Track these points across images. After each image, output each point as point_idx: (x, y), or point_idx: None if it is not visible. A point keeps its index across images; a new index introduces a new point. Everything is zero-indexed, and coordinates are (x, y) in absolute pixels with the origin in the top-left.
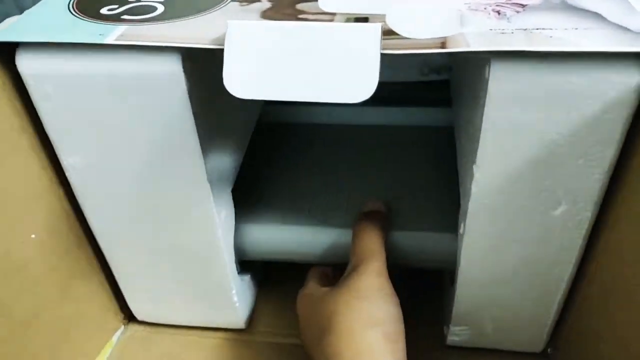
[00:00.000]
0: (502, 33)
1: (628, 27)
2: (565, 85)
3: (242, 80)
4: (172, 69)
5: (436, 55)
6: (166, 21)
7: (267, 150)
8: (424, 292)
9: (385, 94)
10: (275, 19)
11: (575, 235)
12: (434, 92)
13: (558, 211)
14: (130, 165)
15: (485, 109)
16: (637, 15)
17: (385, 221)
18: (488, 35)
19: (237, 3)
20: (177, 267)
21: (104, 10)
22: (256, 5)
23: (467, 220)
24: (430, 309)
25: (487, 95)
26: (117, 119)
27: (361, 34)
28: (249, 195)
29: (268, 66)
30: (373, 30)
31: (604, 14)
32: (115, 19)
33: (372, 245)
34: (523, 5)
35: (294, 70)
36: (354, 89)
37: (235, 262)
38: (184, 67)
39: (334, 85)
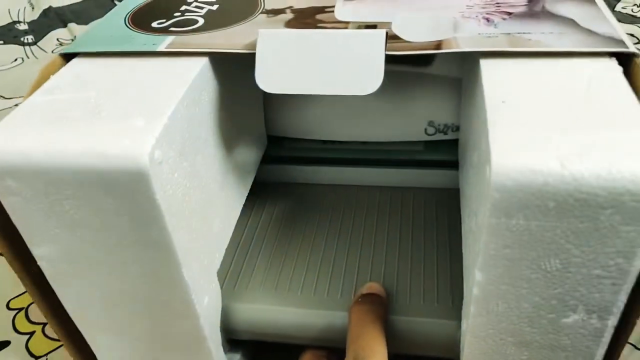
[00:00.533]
0: (489, 37)
1: (597, 31)
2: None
3: (271, 79)
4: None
5: (442, 111)
6: (206, 31)
7: (258, 215)
8: None
9: (387, 155)
10: (297, 28)
11: (591, 343)
12: (440, 153)
13: (571, 319)
14: (99, 255)
15: (488, 215)
16: (605, 21)
17: (385, 306)
18: (476, 38)
19: (264, 15)
20: (160, 355)
21: (154, 24)
22: (281, 16)
23: (470, 320)
24: None
25: (489, 202)
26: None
27: (369, 37)
28: (237, 270)
29: (292, 66)
30: (379, 34)
31: (577, 20)
32: (165, 31)
33: (373, 333)
34: (510, 13)
35: (313, 69)
36: (363, 84)
37: (223, 342)
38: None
39: (347, 81)
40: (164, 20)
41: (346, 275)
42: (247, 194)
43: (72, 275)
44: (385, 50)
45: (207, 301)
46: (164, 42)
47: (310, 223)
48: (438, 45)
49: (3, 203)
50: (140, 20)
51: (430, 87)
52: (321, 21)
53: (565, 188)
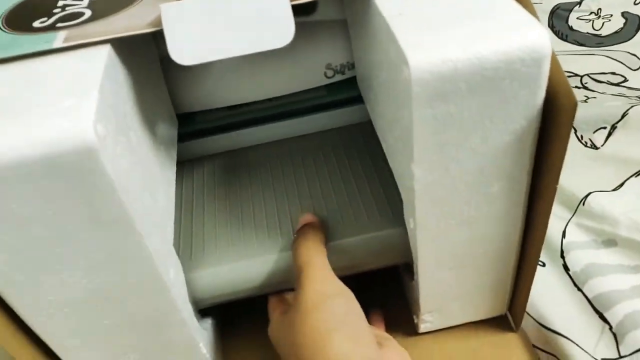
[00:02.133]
0: None
1: None
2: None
3: (184, 51)
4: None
5: (336, 52)
6: (98, 20)
7: (190, 188)
8: (386, 293)
9: (294, 105)
10: None
11: (514, 206)
12: (343, 93)
13: (495, 187)
14: (58, 249)
15: (413, 110)
16: None
17: (319, 229)
18: None
19: None
20: (136, 341)
21: (36, 24)
22: None
23: (416, 215)
24: (396, 305)
25: (412, 98)
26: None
27: None
28: (188, 241)
29: (202, 34)
30: None
31: None
32: (52, 28)
33: (307, 253)
34: None
35: (224, 32)
36: (277, 36)
37: (195, 313)
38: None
39: (261, 37)
40: (45, 19)
41: (289, 217)
42: (175, 166)
43: (30, 281)
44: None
45: (172, 274)
46: (58, 38)
47: (242, 183)
48: None
49: None
50: (16, 23)
51: (320, 33)
52: None
53: (471, 68)
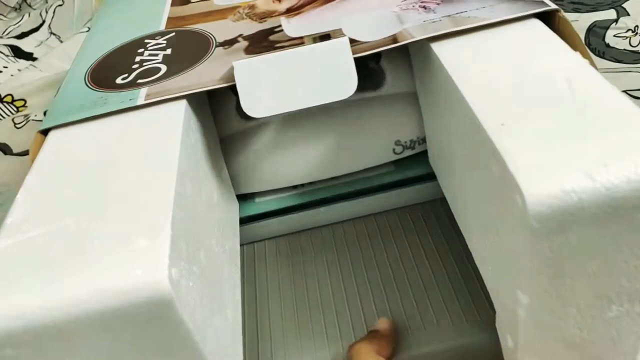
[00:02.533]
0: (433, 22)
1: None
2: None
3: (255, 105)
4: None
5: (406, 128)
6: (174, 76)
7: (255, 281)
8: None
9: (360, 184)
10: (257, 53)
11: (637, 328)
12: (413, 169)
13: (614, 312)
14: None
15: (525, 244)
16: None
17: (385, 340)
18: (424, 25)
19: (220, 48)
20: None
21: (119, 80)
22: (236, 45)
23: (519, 337)
24: None
25: (526, 232)
26: None
27: (335, 45)
28: (256, 346)
29: (271, 89)
30: (343, 41)
31: None
32: (133, 85)
33: None
34: None
35: (291, 87)
36: (340, 89)
37: None
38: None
39: (325, 90)
40: (126, 75)
41: (362, 316)
42: (239, 266)
43: None
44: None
45: None
46: (140, 95)
47: (307, 272)
48: (394, 39)
49: None
50: (101, 80)
51: (389, 108)
52: (276, 41)
53: (600, 200)
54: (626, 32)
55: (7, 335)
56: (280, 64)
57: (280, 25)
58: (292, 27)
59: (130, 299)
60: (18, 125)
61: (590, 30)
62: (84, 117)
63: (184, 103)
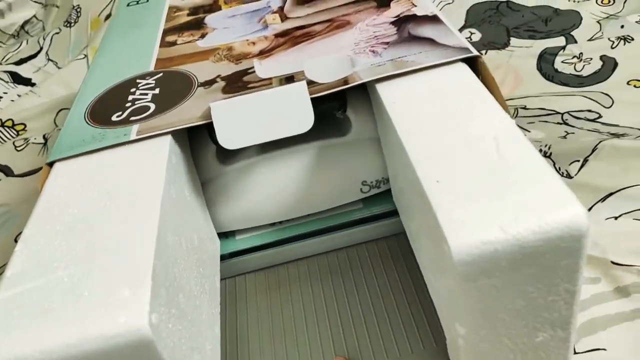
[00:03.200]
0: (379, 65)
1: (449, 44)
2: None
3: (229, 138)
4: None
5: (372, 169)
6: (162, 114)
7: (236, 315)
8: None
9: (330, 222)
10: (232, 93)
11: (561, 350)
12: (379, 206)
13: (540, 338)
14: None
15: (456, 284)
16: (453, 36)
17: None
18: (371, 69)
19: (202, 88)
20: None
21: (114, 118)
22: (215, 85)
23: None
24: None
25: (454, 274)
26: None
27: (295, 89)
28: None
29: (242, 125)
30: (301, 85)
31: (435, 38)
32: (126, 122)
33: None
34: (387, 43)
35: (259, 123)
36: (299, 124)
37: None
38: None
39: (286, 126)
40: (120, 113)
41: (333, 342)
42: (219, 302)
43: None
44: (309, 95)
45: None
46: (132, 131)
47: (284, 304)
48: (345, 81)
49: None
50: (98, 117)
51: (355, 152)
52: (249, 82)
53: (512, 249)
54: (572, 58)
55: None
56: (250, 103)
57: (253, 67)
58: (262, 69)
59: (116, 343)
60: (19, 148)
61: (541, 56)
62: (85, 150)
63: (169, 138)
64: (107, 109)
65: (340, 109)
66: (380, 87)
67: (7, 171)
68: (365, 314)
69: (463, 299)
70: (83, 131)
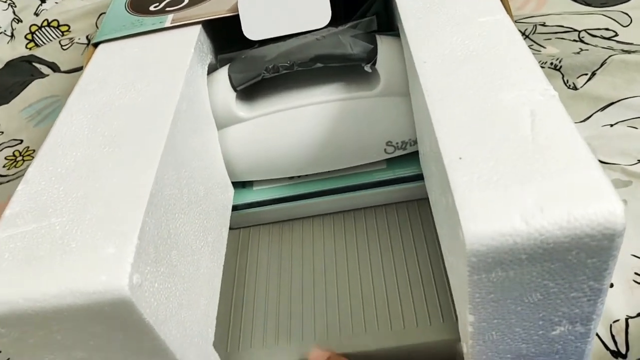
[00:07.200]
0: None
1: None
2: None
3: (253, 29)
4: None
5: (398, 128)
6: (194, 6)
7: (246, 264)
8: None
9: (351, 181)
10: None
11: (579, 344)
12: (403, 168)
13: (557, 331)
14: None
15: (468, 274)
16: None
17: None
18: None
19: None
20: None
21: (152, 8)
22: None
23: (469, 349)
24: None
25: (467, 264)
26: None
27: None
28: (237, 333)
29: (266, 17)
30: None
31: None
32: (163, 11)
33: None
34: None
35: (281, 17)
36: (318, 20)
37: None
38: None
39: (306, 20)
40: (157, 4)
41: (339, 308)
42: (223, 255)
43: None
44: None
45: None
46: (168, 20)
47: (294, 263)
48: None
49: None
50: (138, 7)
51: (382, 109)
52: None
53: (533, 242)
54: None
55: None
56: None
57: None
58: None
59: (96, 300)
60: (64, 47)
61: None
62: (125, 34)
63: (199, 27)
64: (146, 0)
65: (370, 61)
66: (412, 42)
67: (54, 67)
68: (375, 281)
69: (472, 290)
70: (124, 18)
